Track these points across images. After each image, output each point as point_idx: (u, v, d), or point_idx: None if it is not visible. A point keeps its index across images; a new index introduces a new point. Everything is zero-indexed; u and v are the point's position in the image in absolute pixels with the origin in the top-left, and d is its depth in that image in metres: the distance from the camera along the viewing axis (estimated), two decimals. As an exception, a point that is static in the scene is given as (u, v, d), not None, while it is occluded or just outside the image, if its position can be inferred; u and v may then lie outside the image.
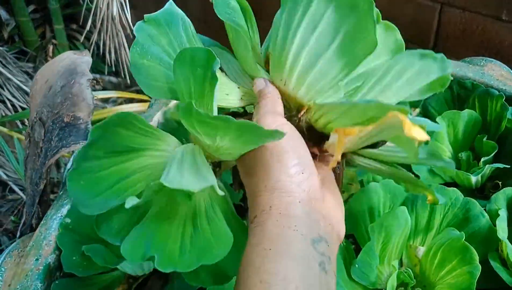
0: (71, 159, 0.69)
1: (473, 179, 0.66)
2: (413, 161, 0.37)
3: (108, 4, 0.98)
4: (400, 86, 0.38)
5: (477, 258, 0.53)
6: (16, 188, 1.40)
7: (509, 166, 0.65)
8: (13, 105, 1.46)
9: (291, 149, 0.37)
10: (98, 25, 1.06)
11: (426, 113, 0.77)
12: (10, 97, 1.45)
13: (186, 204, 0.41)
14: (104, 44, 1.13)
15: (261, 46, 0.49)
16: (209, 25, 1.45)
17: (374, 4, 0.36)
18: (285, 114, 0.42)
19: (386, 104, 0.33)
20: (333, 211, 0.38)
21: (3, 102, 1.44)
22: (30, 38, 1.68)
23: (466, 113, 0.71)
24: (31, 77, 1.62)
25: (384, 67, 0.37)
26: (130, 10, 1.07)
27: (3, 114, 1.44)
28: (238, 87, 0.46)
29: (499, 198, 0.61)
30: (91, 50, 1.24)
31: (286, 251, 0.32)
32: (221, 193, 0.36)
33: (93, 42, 1.17)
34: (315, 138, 0.42)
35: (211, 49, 0.40)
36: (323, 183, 0.39)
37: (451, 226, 0.59)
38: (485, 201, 0.62)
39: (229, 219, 0.43)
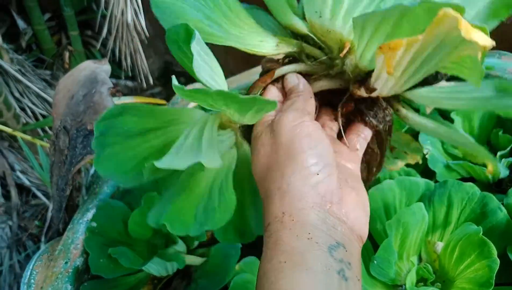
0: (93, 166, 0.71)
1: (490, 173, 0.67)
2: (476, 83, 0.31)
3: (122, 11, 1.00)
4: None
5: (495, 252, 0.53)
6: (39, 193, 1.44)
7: (526, 160, 0.65)
8: (33, 112, 1.50)
9: (309, 149, 0.35)
10: (114, 32, 1.09)
11: (439, 110, 0.78)
12: (30, 104, 1.49)
13: (202, 176, 0.43)
14: (120, 51, 1.16)
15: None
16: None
17: None
18: (326, 56, 0.40)
19: (435, 2, 0.27)
20: (353, 212, 0.36)
21: (24, 109, 1.48)
22: (47, 45, 1.71)
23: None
24: (49, 84, 1.66)
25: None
26: (144, 15, 1.10)
27: (24, 121, 1.47)
28: (274, 36, 0.44)
29: (517, 192, 0.61)
30: (108, 56, 1.27)
31: (301, 263, 0.31)
32: (212, 164, 0.36)
33: (109, 49, 1.20)
34: (363, 82, 0.39)
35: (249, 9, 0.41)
36: (345, 180, 0.37)
37: (469, 221, 0.60)
38: (502, 195, 0.62)
39: (243, 187, 0.45)
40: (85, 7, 1.68)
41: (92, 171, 0.71)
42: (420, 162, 0.55)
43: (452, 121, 0.71)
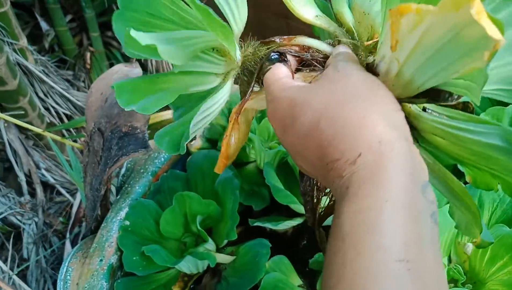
0: (125, 165, 0.73)
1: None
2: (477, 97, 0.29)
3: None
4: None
5: (529, 254, 0.53)
6: (63, 191, 1.47)
7: (557, 160, 0.64)
8: (57, 112, 1.53)
9: (384, 89, 0.33)
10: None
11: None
12: (54, 104, 1.52)
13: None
14: (141, 60, 1.17)
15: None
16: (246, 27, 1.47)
17: None
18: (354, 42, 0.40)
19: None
20: (419, 155, 0.32)
21: (48, 109, 1.51)
22: (69, 46, 1.74)
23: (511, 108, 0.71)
24: (72, 84, 1.69)
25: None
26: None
27: (48, 121, 1.50)
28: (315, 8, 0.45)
29: (549, 193, 0.61)
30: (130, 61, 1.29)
31: (404, 205, 0.27)
32: (167, 57, 0.35)
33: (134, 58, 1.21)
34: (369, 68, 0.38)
35: None
36: None
37: (500, 222, 0.60)
38: (534, 196, 0.61)
39: None
40: (106, 9, 1.70)
41: (123, 171, 0.72)
42: None
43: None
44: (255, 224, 0.67)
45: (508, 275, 0.54)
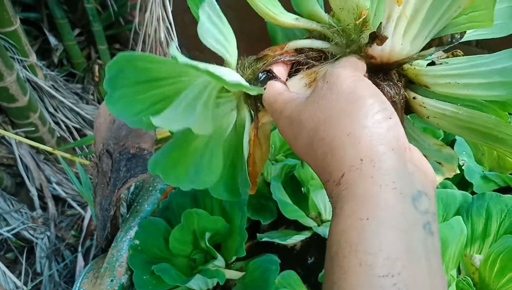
0: (133, 184, 0.74)
1: (529, 183, 0.66)
2: (490, 21, 0.31)
3: (155, 30, 1.03)
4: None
5: (539, 266, 0.53)
6: (74, 204, 1.49)
7: None
8: (67, 126, 1.55)
9: (375, 94, 0.32)
10: (148, 50, 1.12)
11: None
12: (63, 118, 1.54)
13: (196, 138, 0.44)
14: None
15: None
16: (246, 35, 1.48)
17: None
18: (343, 37, 0.41)
19: None
20: (421, 158, 0.32)
21: (58, 124, 1.53)
22: (77, 60, 1.77)
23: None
24: (81, 98, 1.71)
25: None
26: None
27: (59, 135, 1.53)
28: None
29: (558, 203, 0.60)
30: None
31: (386, 220, 0.27)
32: (201, 131, 0.36)
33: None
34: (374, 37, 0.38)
35: None
36: None
37: (509, 233, 0.60)
38: (543, 206, 0.61)
39: (238, 149, 0.46)
40: (113, 22, 1.72)
41: (132, 189, 0.73)
42: (458, 172, 0.53)
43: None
44: (264, 239, 0.67)
45: (518, 288, 0.54)
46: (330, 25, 0.44)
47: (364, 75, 0.39)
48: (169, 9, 1.02)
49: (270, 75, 0.41)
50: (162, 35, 1.05)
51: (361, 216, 0.27)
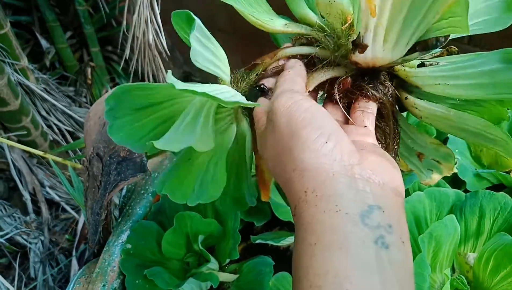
0: (125, 186, 0.73)
1: (522, 180, 0.66)
2: (465, 28, 0.32)
3: (144, 32, 1.02)
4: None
5: (532, 264, 0.53)
6: (68, 208, 1.48)
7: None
8: (59, 129, 1.54)
9: (309, 122, 0.33)
10: (136, 53, 1.11)
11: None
12: (56, 121, 1.53)
13: (199, 155, 0.45)
14: (142, 70, 1.18)
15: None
16: (239, 35, 1.48)
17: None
18: (332, 39, 0.41)
19: None
20: (380, 167, 0.32)
21: (50, 127, 1.52)
22: (70, 63, 1.76)
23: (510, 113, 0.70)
24: (74, 101, 1.70)
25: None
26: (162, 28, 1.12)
27: (51, 138, 1.52)
28: (283, 18, 0.46)
29: (551, 200, 0.60)
30: (131, 74, 1.30)
31: (332, 242, 0.28)
32: (203, 148, 0.37)
33: (133, 68, 1.23)
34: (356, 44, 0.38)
35: None
36: (361, 148, 0.34)
37: (502, 231, 0.59)
38: (536, 203, 0.61)
39: (241, 160, 0.47)
40: (105, 24, 1.72)
41: (123, 192, 0.73)
42: (456, 170, 0.52)
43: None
44: (257, 241, 0.67)
45: (512, 286, 0.54)
46: (319, 29, 0.43)
47: (350, 77, 0.40)
48: (157, 11, 1.01)
49: (263, 90, 0.41)
50: (151, 37, 1.04)
51: (310, 241, 0.29)
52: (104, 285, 0.60)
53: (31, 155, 1.46)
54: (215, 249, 0.69)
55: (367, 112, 0.39)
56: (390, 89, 0.40)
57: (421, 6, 0.33)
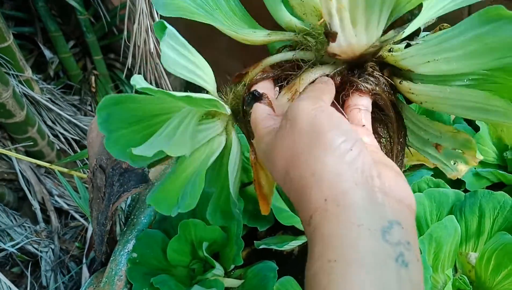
0: (129, 196, 0.75)
1: (521, 178, 0.66)
2: None
3: (145, 40, 1.04)
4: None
5: (532, 262, 0.53)
6: (77, 216, 1.50)
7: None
8: (65, 138, 1.56)
9: (335, 127, 0.32)
10: (138, 61, 1.13)
11: (466, 119, 0.77)
12: (62, 131, 1.55)
13: (189, 163, 0.45)
14: (145, 77, 1.20)
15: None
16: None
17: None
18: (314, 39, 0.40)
19: None
20: (395, 182, 0.31)
21: (57, 136, 1.54)
22: (73, 72, 1.78)
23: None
24: (78, 109, 1.72)
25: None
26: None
27: (58, 148, 1.54)
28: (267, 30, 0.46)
29: (551, 198, 0.61)
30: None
31: (354, 260, 0.26)
32: (174, 153, 0.37)
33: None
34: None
35: None
36: (374, 156, 0.33)
37: (502, 230, 0.60)
38: (536, 201, 0.61)
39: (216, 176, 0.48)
40: (107, 32, 1.73)
41: (128, 202, 0.74)
42: (482, 157, 0.47)
43: (478, 129, 0.71)
44: (261, 247, 0.68)
45: (513, 285, 0.54)
46: (300, 31, 0.43)
47: (338, 75, 0.39)
48: (157, 20, 1.02)
49: (256, 96, 0.40)
50: (152, 46, 1.05)
51: (329, 258, 0.27)
52: (111, 295, 0.62)
53: (39, 165, 1.49)
54: (220, 255, 0.70)
55: (361, 109, 0.38)
56: (381, 79, 0.39)
57: None
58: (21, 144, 1.39)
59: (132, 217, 0.71)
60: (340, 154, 0.30)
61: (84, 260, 1.35)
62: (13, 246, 1.32)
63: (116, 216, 0.68)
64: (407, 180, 0.63)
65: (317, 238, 0.28)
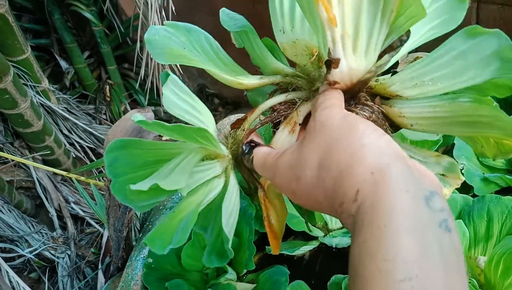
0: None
1: (530, 183, 0.66)
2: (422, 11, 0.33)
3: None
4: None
5: (540, 267, 0.54)
6: (92, 222, 1.53)
7: None
8: (81, 146, 1.60)
9: (363, 122, 0.34)
10: (151, 70, 1.16)
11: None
12: (78, 139, 1.59)
13: (187, 203, 0.45)
14: (158, 86, 1.23)
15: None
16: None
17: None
18: (305, 78, 0.42)
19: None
20: (422, 166, 0.33)
21: (73, 145, 1.58)
22: (88, 82, 1.82)
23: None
24: (94, 118, 1.76)
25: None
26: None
27: (74, 156, 1.57)
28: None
29: (559, 202, 0.61)
30: (148, 90, 1.35)
31: (402, 225, 0.27)
32: (168, 187, 0.37)
33: (148, 85, 1.27)
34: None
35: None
36: None
37: (511, 234, 0.61)
38: (544, 206, 0.62)
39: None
40: (121, 43, 1.77)
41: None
42: (463, 179, 0.51)
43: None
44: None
45: (521, 289, 0.55)
46: (291, 73, 0.45)
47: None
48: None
49: (253, 145, 0.42)
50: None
51: (379, 223, 0.28)
52: (128, 299, 0.64)
53: (56, 173, 1.53)
54: (232, 261, 0.72)
55: None
56: (374, 107, 0.41)
57: (376, 5, 0.34)
58: (38, 153, 1.42)
59: (147, 223, 0.73)
60: (375, 137, 0.32)
61: (99, 266, 1.38)
62: (30, 252, 1.36)
63: (132, 223, 0.70)
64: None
65: (367, 207, 0.30)
